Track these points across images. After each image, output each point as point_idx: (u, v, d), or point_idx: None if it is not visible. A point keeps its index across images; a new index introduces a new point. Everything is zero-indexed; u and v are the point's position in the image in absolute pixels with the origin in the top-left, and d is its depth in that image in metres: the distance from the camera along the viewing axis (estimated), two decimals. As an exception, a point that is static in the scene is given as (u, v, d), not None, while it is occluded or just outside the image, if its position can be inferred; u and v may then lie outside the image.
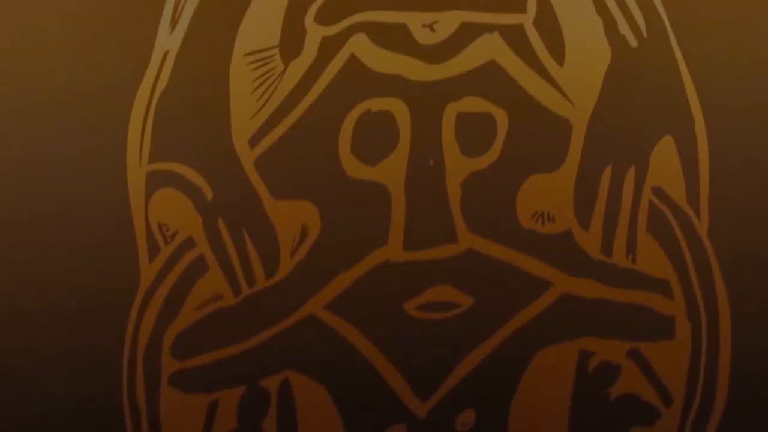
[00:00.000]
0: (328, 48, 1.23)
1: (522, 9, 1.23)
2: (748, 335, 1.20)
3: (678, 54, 1.24)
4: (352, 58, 1.23)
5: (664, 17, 1.25)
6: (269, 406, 1.23)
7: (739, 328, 1.21)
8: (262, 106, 1.24)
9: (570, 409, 1.21)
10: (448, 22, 1.23)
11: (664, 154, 1.23)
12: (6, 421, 1.24)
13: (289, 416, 1.23)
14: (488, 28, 1.23)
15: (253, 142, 1.24)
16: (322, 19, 1.23)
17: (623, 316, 1.22)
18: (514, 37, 1.23)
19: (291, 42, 1.24)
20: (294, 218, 1.24)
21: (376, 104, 1.23)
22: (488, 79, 1.23)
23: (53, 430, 1.23)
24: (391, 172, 1.23)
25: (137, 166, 1.25)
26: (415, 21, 1.23)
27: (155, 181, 1.25)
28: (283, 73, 1.23)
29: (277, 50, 1.24)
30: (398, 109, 1.23)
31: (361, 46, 1.23)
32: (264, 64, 1.23)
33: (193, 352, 1.25)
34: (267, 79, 1.23)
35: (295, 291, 1.24)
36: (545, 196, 1.23)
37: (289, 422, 1.23)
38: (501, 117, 1.23)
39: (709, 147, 1.23)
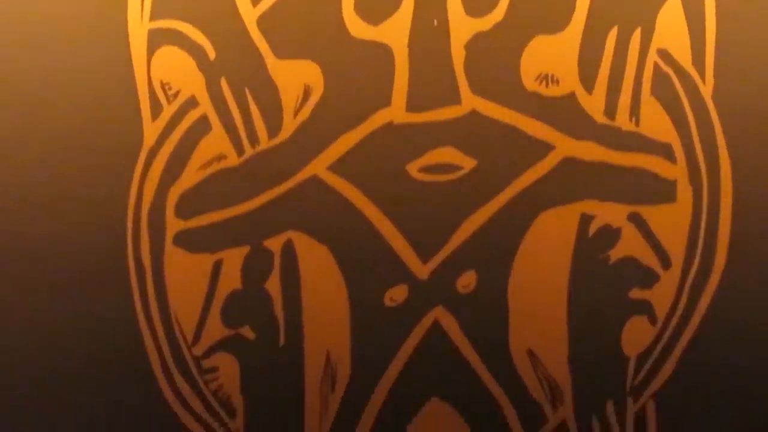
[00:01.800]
0: None
1: None
2: (749, 199, 1.20)
3: None
4: None
5: None
6: (273, 266, 1.24)
7: (741, 192, 1.20)
8: (266, -37, 1.23)
9: (570, 272, 1.21)
10: None
11: (671, 16, 1.22)
12: (8, 283, 1.26)
13: (293, 276, 1.24)
14: None
15: (256, -1, 1.23)
16: None
17: (625, 180, 1.21)
18: None
19: None
20: (297, 78, 1.24)
21: (379, -38, 1.22)
22: (493, -61, 1.22)
23: (59, 290, 1.25)
24: (395, 32, 1.23)
25: (138, 23, 1.24)
26: None
27: (157, 39, 1.25)
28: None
29: None
30: (402, -33, 1.22)
31: None
32: None
33: (197, 211, 1.25)
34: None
35: (298, 151, 1.24)
36: (549, 58, 1.22)
37: (292, 282, 1.23)
38: (505, -24, 1.22)
39: (716, 9, 1.21)
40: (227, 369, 1.23)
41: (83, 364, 1.24)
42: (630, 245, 1.21)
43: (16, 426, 1.25)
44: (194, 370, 1.24)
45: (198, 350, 1.24)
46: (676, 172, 1.21)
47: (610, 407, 1.19)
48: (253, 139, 1.25)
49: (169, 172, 1.26)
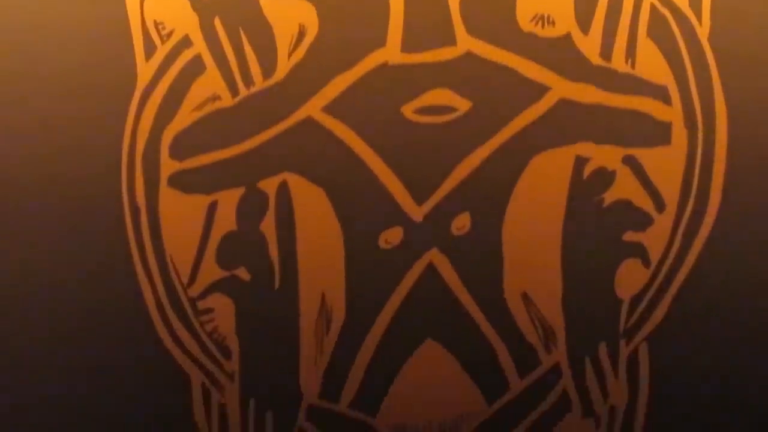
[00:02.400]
0: None
1: None
2: (744, 141, 1.20)
3: None
4: None
5: None
6: (268, 207, 1.24)
7: (735, 135, 1.20)
8: None
9: (564, 215, 1.21)
10: None
11: (668, -43, 1.21)
12: (1, 227, 1.26)
13: (288, 218, 1.24)
14: None
15: (250, -61, 1.22)
16: None
17: (620, 122, 1.21)
18: None
19: None
20: (291, 18, 1.23)
21: None
22: None
23: (53, 234, 1.25)
24: (390, -28, 1.22)
25: (133, -38, 1.24)
26: None
27: (151, -22, 1.24)
28: None
29: None
30: None
31: None
32: None
33: (192, 152, 1.25)
34: None
35: (292, 92, 1.24)
36: (545, -1, 1.21)
37: (287, 224, 1.24)
38: None
39: (713, -51, 1.20)
40: (223, 310, 1.24)
41: (79, 307, 1.25)
42: (624, 188, 1.21)
43: (13, 371, 1.26)
44: (190, 312, 1.24)
45: (193, 291, 1.24)
46: (672, 114, 1.21)
47: (603, 349, 1.20)
48: (248, 80, 1.24)
49: (163, 112, 1.25)
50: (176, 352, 1.24)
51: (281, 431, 1.22)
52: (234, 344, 1.23)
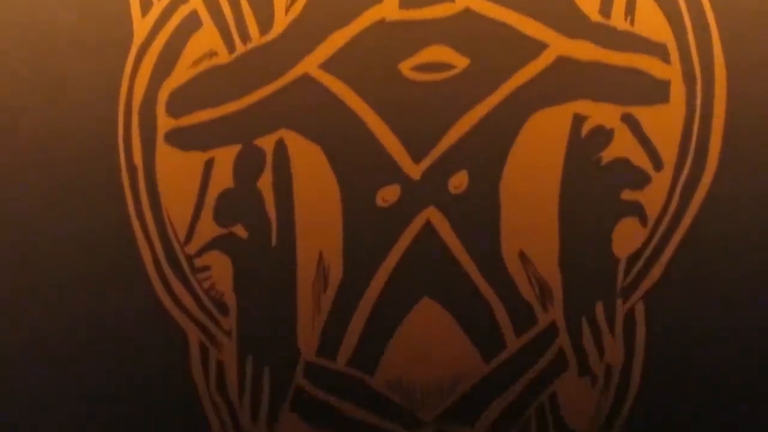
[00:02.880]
0: None
1: None
2: (743, 100, 1.19)
3: None
4: None
5: None
6: (265, 165, 1.24)
7: (734, 93, 1.20)
8: None
9: (562, 173, 1.21)
10: None
11: None
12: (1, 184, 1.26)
13: (285, 176, 1.23)
14: None
15: None
16: None
17: (619, 80, 1.20)
18: None
19: None
20: (289, -26, 1.23)
21: None
22: None
23: (49, 192, 1.25)
24: (388, -73, 1.21)
25: None
26: None
27: (145, -66, 1.23)
28: None
29: None
30: None
31: None
32: None
33: (189, 109, 1.25)
34: None
35: (289, 49, 1.23)
36: (544, -45, 1.21)
37: (284, 181, 1.23)
38: None
39: None
40: (220, 267, 1.24)
41: (75, 265, 1.25)
42: (622, 146, 1.21)
43: (10, 328, 1.26)
44: (187, 269, 1.24)
45: (190, 249, 1.24)
46: (670, 72, 1.21)
47: (599, 308, 1.20)
48: (244, 36, 1.24)
49: (160, 69, 1.25)
50: (174, 310, 1.24)
51: (279, 388, 1.22)
52: (231, 301, 1.24)
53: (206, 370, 1.23)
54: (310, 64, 1.23)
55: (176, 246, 1.24)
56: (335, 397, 1.22)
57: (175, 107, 1.25)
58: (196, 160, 1.24)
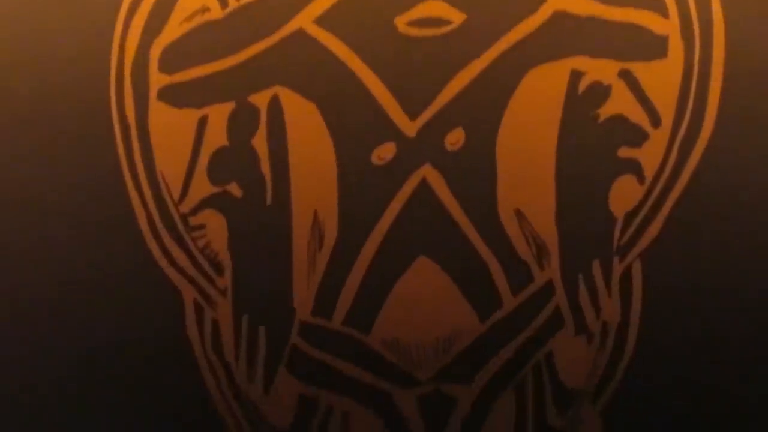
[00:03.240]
0: None
1: None
2: (742, 55, 1.18)
3: None
4: None
5: None
6: (259, 122, 1.23)
7: (733, 48, 1.18)
8: None
9: (558, 130, 1.20)
10: None
11: None
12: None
13: (279, 133, 1.22)
14: None
15: None
16: None
17: (616, 35, 1.19)
18: None
19: None
20: (282, -72, 1.21)
21: None
22: None
23: (41, 150, 1.24)
24: None
25: None
26: None
27: None
28: None
29: None
30: None
31: None
32: None
33: (181, 66, 1.24)
34: None
35: (283, 4, 1.22)
36: None
37: (279, 139, 1.22)
38: None
39: None
40: (214, 226, 1.23)
41: (69, 224, 1.24)
42: (620, 103, 1.20)
43: (7, 292, 1.26)
44: (181, 228, 1.24)
45: (185, 207, 1.24)
46: (669, 27, 1.19)
47: (596, 267, 1.20)
48: (237, -9, 1.23)
49: (152, 25, 1.24)
50: (168, 269, 1.23)
51: (274, 347, 1.22)
52: (226, 260, 1.23)
53: (201, 330, 1.23)
54: (305, 19, 1.22)
55: (170, 204, 1.23)
56: (331, 356, 1.21)
57: (168, 64, 1.24)
58: (189, 117, 1.23)
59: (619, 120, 1.19)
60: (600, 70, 1.20)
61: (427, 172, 1.21)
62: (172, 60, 1.23)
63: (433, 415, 1.20)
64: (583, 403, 1.20)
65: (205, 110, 1.23)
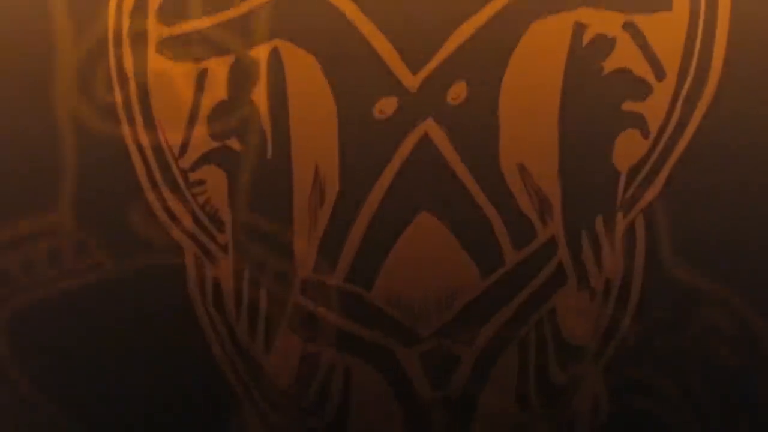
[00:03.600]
0: None
1: None
2: (747, 8, 1.17)
3: None
4: None
5: None
6: (258, 76, 1.21)
7: (739, 1, 1.17)
8: None
9: (562, 84, 1.19)
10: None
11: None
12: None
13: (280, 87, 1.21)
14: None
15: None
16: None
17: (621, -13, 1.18)
18: None
19: None
20: None
21: None
22: None
23: (39, 102, 1.23)
24: None
25: None
26: None
27: None
28: None
29: None
30: None
31: None
32: None
33: (181, 17, 1.22)
34: None
35: (283, -43, 1.21)
36: None
37: (279, 93, 1.21)
38: None
39: None
40: (215, 182, 1.22)
41: (68, 176, 1.23)
42: (624, 56, 1.18)
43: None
44: (182, 183, 1.23)
45: (185, 163, 1.23)
46: (674, -22, 1.18)
47: (599, 222, 1.19)
48: (238, -58, 1.21)
49: (151, -26, 1.22)
50: (169, 224, 1.23)
51: (276, 305, 1.22)
52: (227, 216, 1.22)
53: (202, 286, 1.23)
54: (305, -29, 1.21)
55: (170, 159, 1.22)
56: (333, 312, 1.21)
57: (167, 15, 1.22)
58: (188, 71, 1.22)
59: (624, 73, 1.18)
60: (604, 22, 1.18)
61: (429, 126, 1.20)
62: (171, 11, 1.22)
63: (435, 373, 1.20)
64: (585, 360, 1.19)
65: (205, 63, 1.22)
